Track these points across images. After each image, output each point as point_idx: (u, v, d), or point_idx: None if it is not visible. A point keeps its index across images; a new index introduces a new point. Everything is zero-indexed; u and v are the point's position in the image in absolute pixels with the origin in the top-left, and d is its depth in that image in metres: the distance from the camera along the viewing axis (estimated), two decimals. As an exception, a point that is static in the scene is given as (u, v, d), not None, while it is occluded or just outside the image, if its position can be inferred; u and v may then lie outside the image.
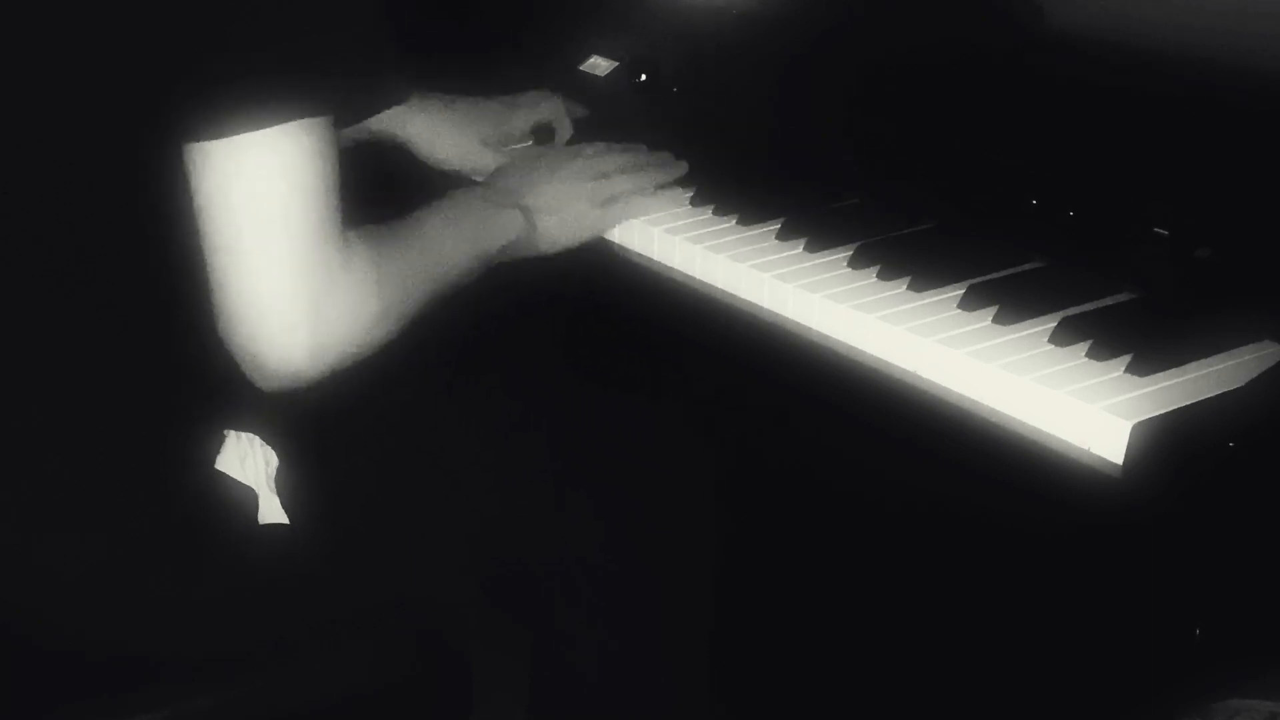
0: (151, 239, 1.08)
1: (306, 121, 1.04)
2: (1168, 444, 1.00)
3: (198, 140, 1.03)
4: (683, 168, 1.47)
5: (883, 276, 1.24)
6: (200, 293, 1.08)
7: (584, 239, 1.41)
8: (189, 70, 1.02)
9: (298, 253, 1.06)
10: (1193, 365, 1.09)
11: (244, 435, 1.19)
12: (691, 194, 1.43)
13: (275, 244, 1.05)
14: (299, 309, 1.07)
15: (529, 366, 1.44)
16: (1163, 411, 1.03)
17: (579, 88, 1.63)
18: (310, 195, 1.06)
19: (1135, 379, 1.07)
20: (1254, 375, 1.07)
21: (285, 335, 1.07)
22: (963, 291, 1.19)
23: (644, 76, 1.58)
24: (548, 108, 1.60)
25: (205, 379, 1.14)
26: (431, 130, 1.54)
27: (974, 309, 1.18)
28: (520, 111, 1.59)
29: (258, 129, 1.03)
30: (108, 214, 1.08)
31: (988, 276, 1.22)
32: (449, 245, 1.26)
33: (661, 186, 1.45)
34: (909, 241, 1.30)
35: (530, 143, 1.59)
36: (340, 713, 1.25)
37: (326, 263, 1.08)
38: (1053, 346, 1.12)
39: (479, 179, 1.51)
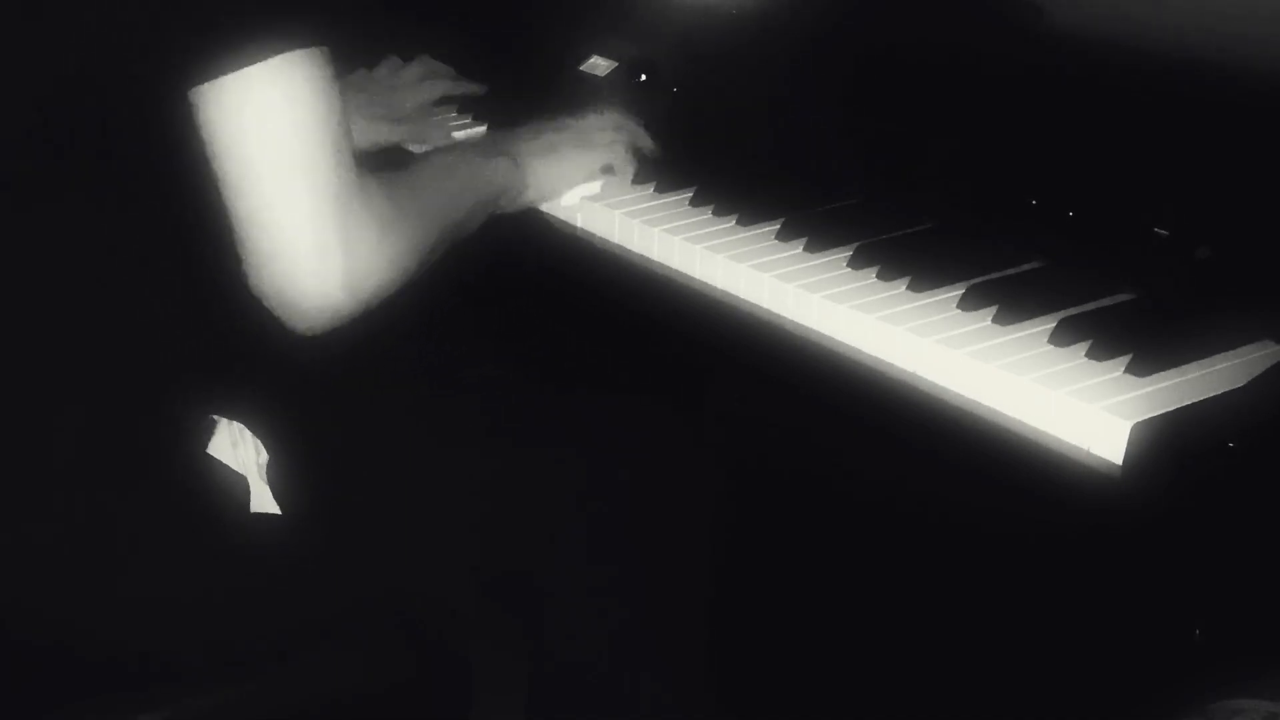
0: (160, 195, 1.09)
1: (309, 51, 1.05)
2: (1167, 444, 1.00)
3: (207, 79, 1.03)
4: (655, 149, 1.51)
5: (882, 277, 1.24)
6: (207, 255, 1.09)
7: (574, 183, 1.44)
8: (189, 6, 1.03)
9: (321, 183, 1.07)
10: (1193, 365, 1.09)
11: (234, 423, 1.19)
12: (691, 194, 1.43)
13: (299, 176, 1.06)
14: (332, 241, 1.08)
15: (527, 365, 1.44)
16: (1162, 411, 1.03)
17: (579, 88, 1.63)
18: (324, 125, 1.07)
19: (1135, 379, 1.07)
20: (1254, 375, 1.07)
21: (321, 268, 1.08)
22: (962, 292, 1.19)
23: (644, 76, 1.58)
24: (431, 87, 1.68)
25: (199, 355, 1.15)
26: None
27: (974, 309, 1.18)
28: (403, 90, 1.66)
29: (263, 59, 1.03)
30: (118, 172, 1.08)
31: (987, 277, 1.22)
32: (450, 190, 1.29)
33: (644, 151, 1.50)
34: (908, 242, 1.30)
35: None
36: (340, 713, 1.25)
37: (349, 193, 1.09)
38: (1052, 347, 1.12)
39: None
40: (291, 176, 1.06)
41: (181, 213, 1.09)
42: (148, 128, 1.07)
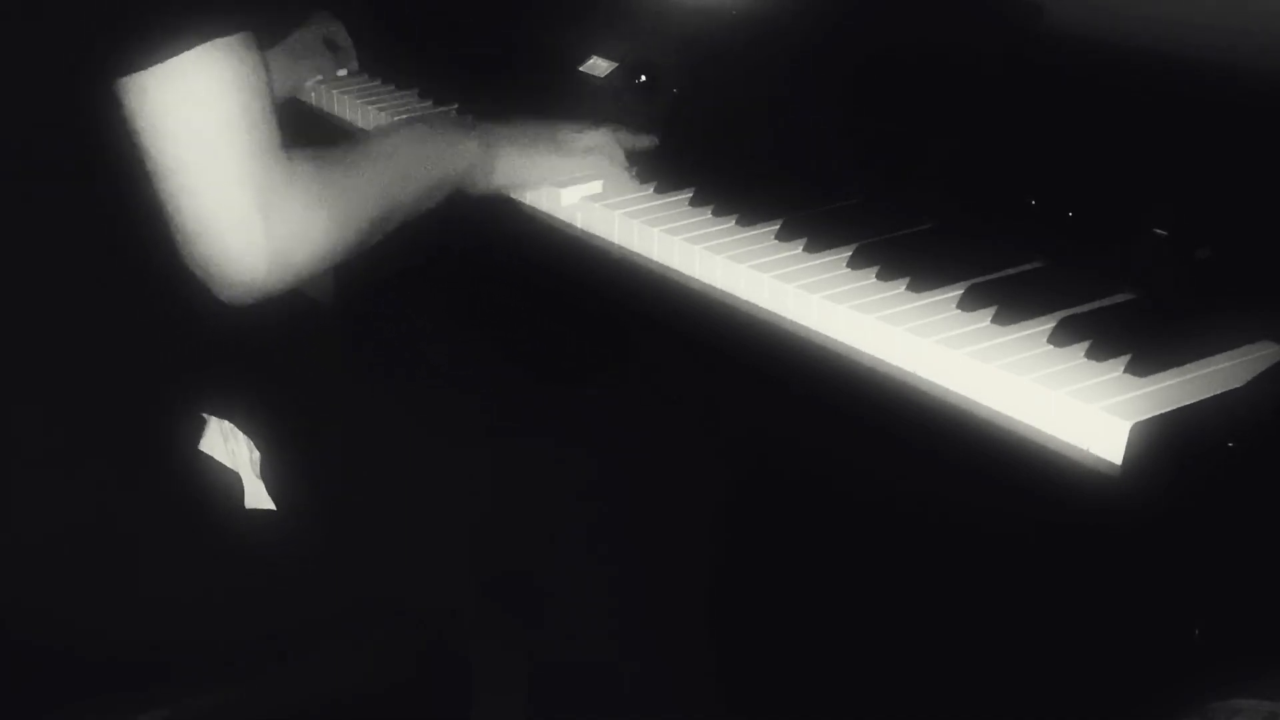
0: (119, 190, 1.11)
1: (228, 39, 1.08)
2: (1167, 444, 1.00)
3: (130, 72, 1.06)
4: (653, 141, 1.53)
5: (882, 277, 1.24)
6: (164, 239, 1.11)
7: (538, 181, 1.46)
8: (111, 5, 1.05)
9: (244, 165, 1.11)
10: (1192, 365, 1.09)
11: (224, 422, 1.19)
12: (691, 194, 1.43)
13: (222, 159, 1.10)
14: (252, 218, 1.11)
15: (527, 365, 1.44)
16: (1162, 411, 1.03)
17: (579, 88, 1.63)
18: (245, 111, 1.10)
19: (1134, 379, 1.07)
20: (1254, 375, 1.07)
21: (244, 246, 1.11)
22: (962, 292, 1.19)
23: (644, 77, 1.58)
24: (318, 64, 1.77)
25: (190, 353, 1.15)
26: None
27: (973, 309, 1.18)
28: (303, 63, 1.76)
29: (183, 51, 1.06)
30: (78, 171, 1.10)
31: (987, 277, 1.22)
32: (403, 165, 1.31)
33: (631, 151, 1.50)
34: (908, 242, 1.30)
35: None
36: (340, 713, 1.25)
37: (270, 174, 1.12)
38: (1052, 347, 1.12)
39: None
40: (212, 158, 1.09)
41: (145, 206, 1.11)
42: (86, 123, 1.08)
